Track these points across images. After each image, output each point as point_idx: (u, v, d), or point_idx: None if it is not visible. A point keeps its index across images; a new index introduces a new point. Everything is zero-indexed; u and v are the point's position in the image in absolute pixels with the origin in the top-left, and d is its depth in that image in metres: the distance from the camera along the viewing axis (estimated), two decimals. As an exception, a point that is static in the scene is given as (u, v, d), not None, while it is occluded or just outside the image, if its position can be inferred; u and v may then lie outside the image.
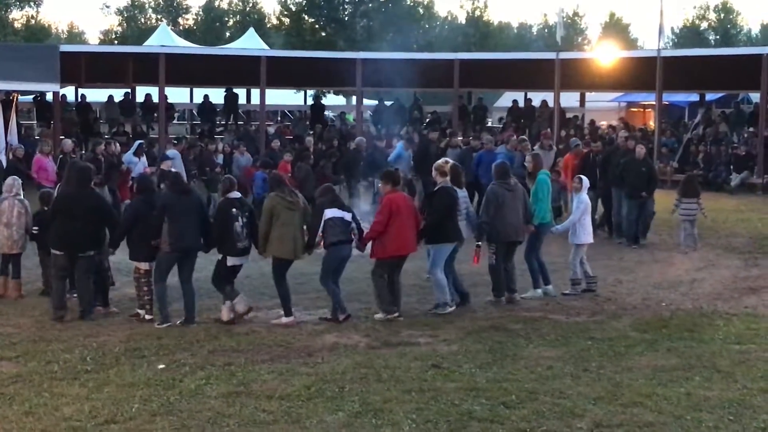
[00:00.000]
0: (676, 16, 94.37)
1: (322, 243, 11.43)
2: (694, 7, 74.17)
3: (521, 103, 33.91)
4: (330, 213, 11.27)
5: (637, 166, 17.21)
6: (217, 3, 77.17)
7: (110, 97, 32.25)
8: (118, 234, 11.50)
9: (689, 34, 72.17)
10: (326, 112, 36.92)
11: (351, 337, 10.51)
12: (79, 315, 11.38)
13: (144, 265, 11.40)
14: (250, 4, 77.74)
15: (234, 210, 11.23)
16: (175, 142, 23.88)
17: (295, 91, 38.93)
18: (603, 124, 33.53)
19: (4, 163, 20.72)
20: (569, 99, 34.81)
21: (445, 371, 9.07)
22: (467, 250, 12.45)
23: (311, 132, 31.28)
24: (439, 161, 12.60)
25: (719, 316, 11.66)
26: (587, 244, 13.24)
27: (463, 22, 72.73)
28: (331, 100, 41.20)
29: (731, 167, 26.91)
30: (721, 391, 8.50)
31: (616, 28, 78.69)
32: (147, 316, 11.37)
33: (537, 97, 34.18)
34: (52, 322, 11.14)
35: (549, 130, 24.79)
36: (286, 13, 47.95)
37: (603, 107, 41.15)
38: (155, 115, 30.77)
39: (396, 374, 8.94)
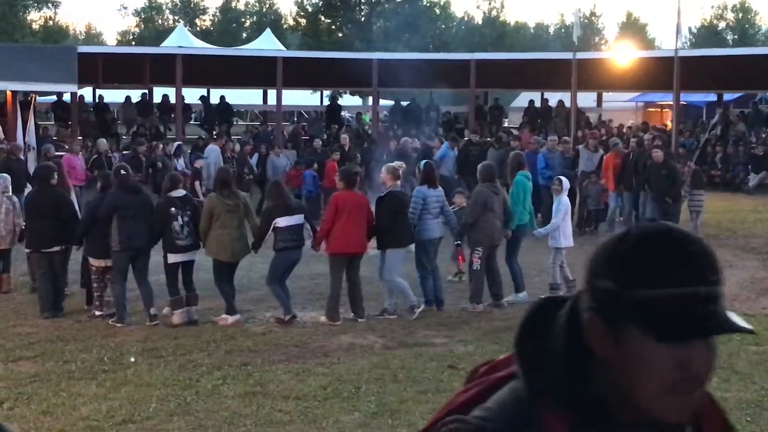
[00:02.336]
0: (694, 15, 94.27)
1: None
2: (712, 7, 73.86)
3: (538, 104, 33.86)
4: (282, 222, 11.23)
5: (657, 170, 16.79)
6: (233, 4, 77.39)
7: (127, 98, 32.39)
8: (79, 231, 11.54)
9: (707, 34, 71.86)
10: (342, 113, 36.96)
11: (367, 337, 10.51)
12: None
13: (97, 262, 11.51)
14: (267, 5, 77.94)
15: (173, 209, 11.27)
16: (215, 137, 23.99)
17: (311, 91, 39.02)
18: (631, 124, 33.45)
19: (29, 162, 20.87)
20: (586, 99, 34.73)
21: (462, 372, 9.03)
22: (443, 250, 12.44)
23: (325, 131, 31.27)
24: (392, 164, 12.41)
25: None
26: (567, 247, 12.90)
27: (480, 22, 72.74)
28: (347, 100, 41.26)
29: (749, 167, 26.78)
30: (739, 392, 8.45)
31: (633, 27, 78.43)
32: (96, 312, 11.47)
33: (554, 98, 34.11)
34: (69, 323, 11.20)
35: (596, 130, 24.45)
36: (302, 13, 48.12)
37: (620, 107, 41.03)
38: (172, 115, 30.88)
39: (412, 375, 8.94)
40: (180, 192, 11.57)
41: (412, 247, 11.91)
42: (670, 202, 16.57)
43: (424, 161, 12.86)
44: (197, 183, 19.23)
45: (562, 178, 13.52)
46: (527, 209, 12.81)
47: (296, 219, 11.41)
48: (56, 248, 11.62)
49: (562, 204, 12.96)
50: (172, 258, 11.35)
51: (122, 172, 11.67)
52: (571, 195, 18.39)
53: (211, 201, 11.50)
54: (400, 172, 12.10)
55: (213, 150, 20.36)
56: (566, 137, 21.03)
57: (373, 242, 11.78)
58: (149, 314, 11.23)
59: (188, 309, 11.33)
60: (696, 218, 17.97)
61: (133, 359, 9.39)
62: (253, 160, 23.51)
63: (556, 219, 12.89)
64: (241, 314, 11.51)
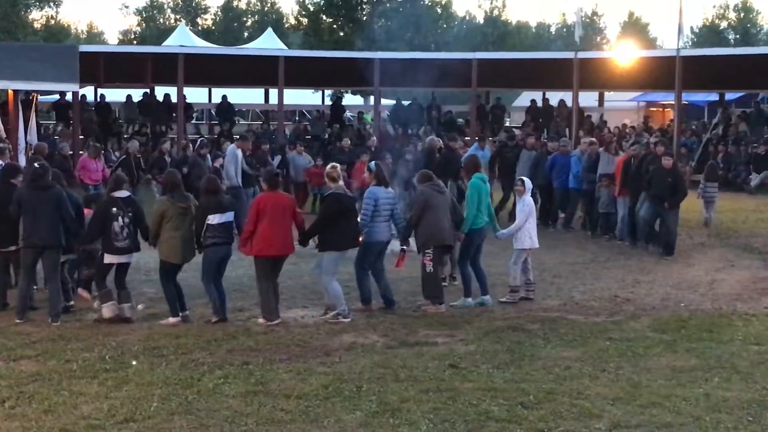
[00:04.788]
0: (696, 15, 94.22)
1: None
2: (714, 7, 73.86)
3: (539, 103, 33.85)
4: (212, 219, 11.20)
5: (663, 175, 16.09)
6: (235, 3, 77.43)
7: (129, 97, 32.40)
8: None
9: (709, 34, 71.85)
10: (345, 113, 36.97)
11: (368, 336, 10.51)
12: None
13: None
14: (269, 4, 77.99)
15: (114, 209, 11.29)
16: (237, 137, 24.03)
17: (312, 91, 39.02)
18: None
19: (23, 163, 20.88)
20: (588, 98, 34.71)
21: (463, 371, 9.06)
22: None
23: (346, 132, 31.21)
24: (328, 167, 12.30)
25: (738, 317, 11.60)
26: (529, 249, 12.65)
27: (482, 21, 72.73)
28: (349, 99, 41.24)
29: (751, 167, 26.75)
30: (741, 391, 8.45)
31: (635, 27, 78.45)
32: (96, 305, 11.56)
33: (555, 97, 34.11)
34: (71, 322, 11.22)
35: (610, 134, 24.18)
36: (304, 13, 48.05)
37: (622, 107, 41.03)
38: (174, 115, 30.88)
39: (413, 374, 8.94)
40: (123, 193, 11.56)
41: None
42: (667, 207, 16.03)
43: (373, 162, 12.76)
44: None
45: (525, 178, 13.27)
46: (484, 212, 12.44)
47: (227, 216, 11.38)
48: (12, 248, 11.62)
49: (526, 205, 12.68)
50: (109, 258, 11.37)
51: (35, 165, 11.71)
52: (590, 199, 18.29)
53: (162, 204, 11.43)
54: (337, 173, 11.89)
55: (231, 151, 20.49)
56: (593, 139, 20.35)
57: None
58: (52, 314, 11.20)
59: (121, 306, 11.33)
60: (710, 209, 19.39)
61: (134, 362, 9.34)
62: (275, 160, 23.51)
63: (518, 221, 12.61)
64: (242, 312, 11.54)
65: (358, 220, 11.81)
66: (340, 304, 11.44)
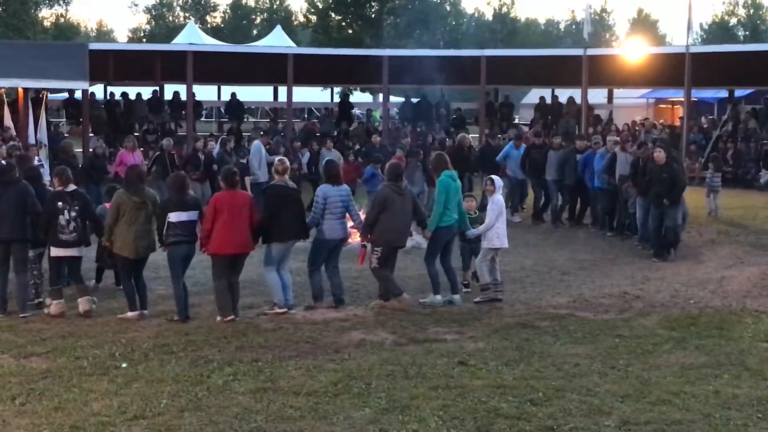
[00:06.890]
0: (705, 11, 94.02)
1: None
2: (723, 3, 73.69)
3: (548, 100, 33.78)
4: (174, 217, 11.21)
5: (658, 172, 15.77)
6: (244, 1, 77.56)
7: (138, 95, 32.46)
8: None
9: (718, 30, 71.76)
10: (353, 110, 36.96)
11: (378, 333, 10.52)
12: None
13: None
14: (278, 2, 78.09)
15: (60, 203, 11.38)
16: (262, 133, 24.08)
17: (321, 88, 39.04)
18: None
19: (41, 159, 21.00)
20: (597, 95, 34.65)
21: (472, 368, 9.06)
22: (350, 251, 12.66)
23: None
24: (276, 160, 12.28)
25: (748, 314, 11.57)
26: (497, 248, 12.48)
27: (490, 18, 72.73)
28: (358, 97, 41.28)
29: (760, 164, 26.66)
30: (750, 389, 8.44)
31: (644, 24, 78.40)
32: (47, 300, 11.64)
33: (564, 94, 34.05)
34: (81, 319, 11.25)
35: (625, 132, 23.80)
36: (313, 10, 48.19)
37: (631, 104, 40.92)
38: (183, 112, 30.94)
39: (423, 371, 8.94)
40: (71, 187, 11.62)
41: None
42: (667, 204, 15.60)
43: (327, 159, 12.73)
44: (246, 178, 19.32)
45: (494, 177, 13.06)
46: (453, 210, 12.30)
47: (189, 215, 11.34)
48: None
49: (496, 204, 12.52)
50: (55, 252, 11.48)
51: (2, 162, 11.78)
52: (612, 199, 18.01)
53: (118, 197, 11.46)
54: (282, 167, 11.86)
55: (256, 146, 20.70)
56: (616, 137, 19.83)
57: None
58: (20, 305, 11.41)
59: (80, 300, 11.44)
60: (714, 199, 20.33)
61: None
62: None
63: (489, 220, 12.44)
64: (252, 309, 11.55)
65: (311, 216, 11.88)
66: (275, 295, 11.51)
